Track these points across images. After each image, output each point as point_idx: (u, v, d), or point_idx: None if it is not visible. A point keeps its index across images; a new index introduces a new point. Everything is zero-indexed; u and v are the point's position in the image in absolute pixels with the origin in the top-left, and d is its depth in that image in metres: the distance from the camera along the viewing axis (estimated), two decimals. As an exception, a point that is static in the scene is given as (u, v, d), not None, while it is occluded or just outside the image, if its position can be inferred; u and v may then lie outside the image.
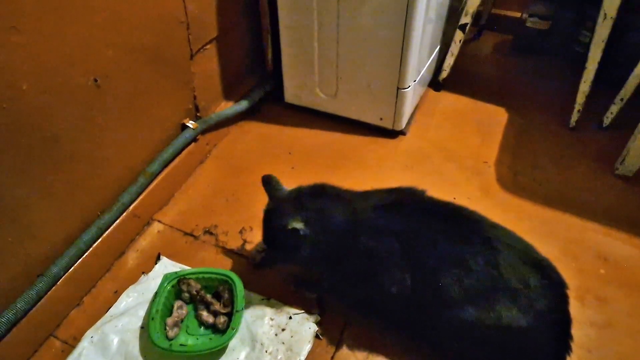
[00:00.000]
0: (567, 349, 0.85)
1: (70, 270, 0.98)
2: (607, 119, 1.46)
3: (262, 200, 1.24)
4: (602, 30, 1.29)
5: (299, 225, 0.87)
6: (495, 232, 0.86)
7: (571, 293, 1.02)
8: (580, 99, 1.41)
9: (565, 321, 0.85)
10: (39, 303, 0.92)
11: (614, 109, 1.43)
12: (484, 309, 0.80)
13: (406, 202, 0.94)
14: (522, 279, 0.81)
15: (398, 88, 1.31)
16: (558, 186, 1.30)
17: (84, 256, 1.01)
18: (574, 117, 1.45)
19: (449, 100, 1.61)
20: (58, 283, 0.95)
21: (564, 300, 0.85)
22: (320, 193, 0.94)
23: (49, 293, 0.94)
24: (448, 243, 0.85)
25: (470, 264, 0.82)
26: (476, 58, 1.84)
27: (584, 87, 1.38)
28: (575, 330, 0.95)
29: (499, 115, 1.54)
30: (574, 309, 0.99)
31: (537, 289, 0.81)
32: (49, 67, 0.83)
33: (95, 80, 0.93)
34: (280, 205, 0.94)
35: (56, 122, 0.88)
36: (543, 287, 0.82)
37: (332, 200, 0.93)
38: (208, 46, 1.27)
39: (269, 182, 0.98)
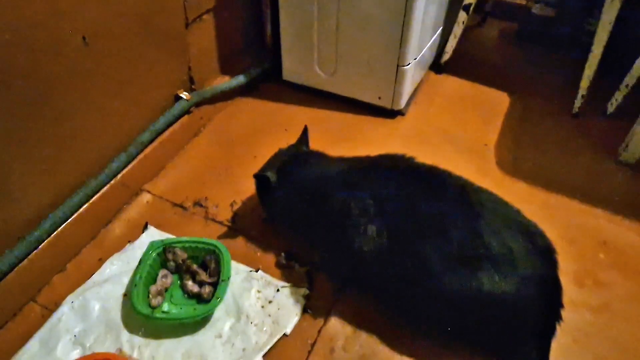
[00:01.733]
0: (557, 318, 0.82)
1: (53, 234, 0.95)
2: (612, 106, 1.43)
3: (254, 174, 1.21)
4: (609, 12, 1.26)
5: (269, 174, 0.97)
6: (478, 196, 0.83)
7: (570, 277, 1.01)
8: (585, 83, 1.38)
9: (555, 288, 0.82)
10: (19, 266, 0.90)
11: (619, 95, 1.40)
12: (464, 277, 0.77)
13: (386, 164, 0.92)
14: (505, 244, 0.78)
15: (398, 65, 1.28)
16: (559, 171, 1.27)
17: (68, 221, 0.98)
18: (578, 103, 1.42)
19: (450, 83, 1.58)
20: (40, 247, 0.93)
21: (552, 265, 0.82)
22: (305, 155, 1.03)
23: (29, 257, 0.91)
24: (427, 206, 0.82)
25: (450, 229, 0.79)
26: (480, 44, 1.81)
27: (589, 71, 1.35)
28: (573, 314, 0.94)
29: (501, 100, 1.51)
30: (573, 292, 0.98)
31: (521, 254, 0.78)
32: (33, 18, 0.79)
33: (84, 39, 0.90)
34: (269, 159, 1.04)
35: (41, 79, 0.85)
36: (528, 252, 0.79)
37: (312, 161, 1.00)
38: (205, 16, 1.24)
39: (304, 132, 1.08)
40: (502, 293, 0.76)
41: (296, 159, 1.02)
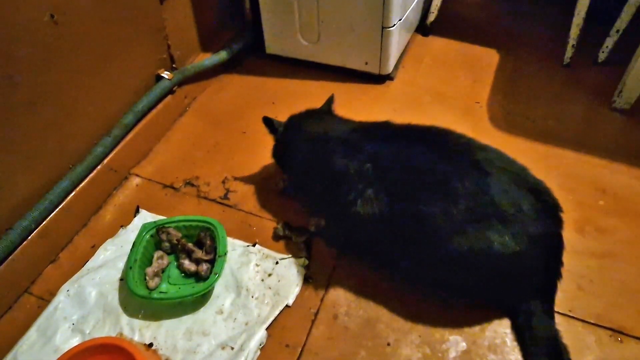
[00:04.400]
0: (558, 275, 0.81)
1: (43, 224, 0.93)
2: (603, 54, 1.40)
3: (244, 149, 1.19)
4: (596, -44, 1.22)
5: (275, 121, 1.01)
6: (485, 154, 0.80)
7: (570, 225, 0.99)
8: (574, 32, 1.34)
9: (558, 246, 0.81)
10: (10, 258, 0.88)
11: (609, 42, 1.37)
12: (473, 237, 0.75)
13: (388, 127, 0.89)
14: (515, 203, 0.76)
15: (383, 27, 1.25)
16: (553, 122, 1.25)
17: (56, 210, 0.95)
18: (568, 53, 1.39)
19: (438, 44, 1.54)
20: (30, 237, 0.91)
21: (558, 224, 0.81)
22: (318, 113, 1.03)
23: (20, 248, 0.89)
24: (432, 167, 0.79)
25: (457, 189, 0.76)
26: (466, 2, 1.76)
27: (578, 19, 1.31)
28: (576, 261, 0.93)
29: (490, 57, 1.48)
30: (574, 240, 0.97)
31: (530, 213, 0.77)
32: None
33: (52, 17, 0.86)
34: None
35: (9, 61, 0.81)
36: (537, 212, 0.77)
37: (321, 118, 1.00)
38: (179, -10, 1.20)
39: (329, 99, 1.07)
40: (511, 252, 0.75)
41: (308, 115, 1.02)
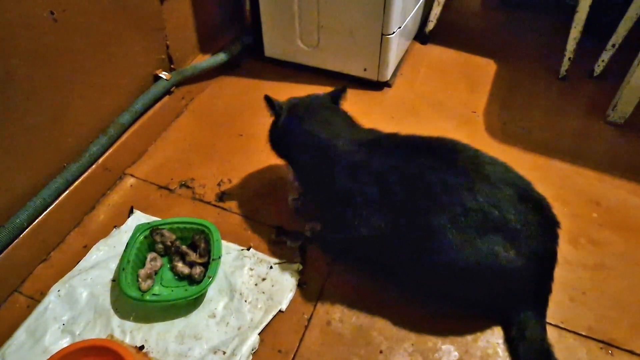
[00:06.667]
0: (549, 290, 0.83)
1: (35, 222, 0.92)
2: (598, 68, 1.41)
3: (241, 152, 1.19)
4: (594, -29, 1.23)
5: (277, 101, 0.95)
6: (493, 167, 0.80)
7: (564, 237, 0.99)
8: (571, 45, 1.36)
9: (552, 261, 0.82)
10: (1, 256, 0.86)
11: (605, 56, 1.38)
12: (481, 250, 0.75)
13: (396, 139, 0.88)
14: (521, 218, 0.76)
15: (382, 34, 1.25)
16: (548, 134, 1.26)
17: (49, 208, 0.94)
18: (564, 66, 1.40)
19: (436, 53, 1.55)
20: (22, 236, 0.89)
21: (555, 240, 0.82)
22: (325, 104, 0.98)
23: (11, 246, 0.88)
24: (441, 180, 0.78)
25: (468, 202, 0.76)
26: (464, 12, 1.78)
27: (575, 32, 1.33)
28: (568, 273, 0.94)
29: (487, 67, 1.49)
30: (567, 252, 0.97)
31: (534, 229, 0.77)
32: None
33: (52, 13, 0.85)
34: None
35: (7, 55, 0.80)
36: (540, 228, 0.78)
37: (327, 117, 0.94)
38: (180, -9, 1.20)
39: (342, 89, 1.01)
40: (514, 266, 0.76)
41: (313, 105, 0.96)
